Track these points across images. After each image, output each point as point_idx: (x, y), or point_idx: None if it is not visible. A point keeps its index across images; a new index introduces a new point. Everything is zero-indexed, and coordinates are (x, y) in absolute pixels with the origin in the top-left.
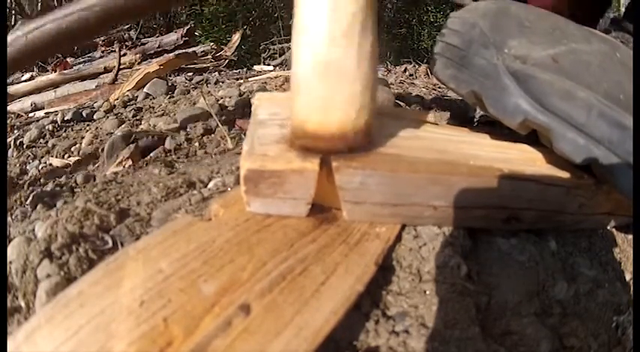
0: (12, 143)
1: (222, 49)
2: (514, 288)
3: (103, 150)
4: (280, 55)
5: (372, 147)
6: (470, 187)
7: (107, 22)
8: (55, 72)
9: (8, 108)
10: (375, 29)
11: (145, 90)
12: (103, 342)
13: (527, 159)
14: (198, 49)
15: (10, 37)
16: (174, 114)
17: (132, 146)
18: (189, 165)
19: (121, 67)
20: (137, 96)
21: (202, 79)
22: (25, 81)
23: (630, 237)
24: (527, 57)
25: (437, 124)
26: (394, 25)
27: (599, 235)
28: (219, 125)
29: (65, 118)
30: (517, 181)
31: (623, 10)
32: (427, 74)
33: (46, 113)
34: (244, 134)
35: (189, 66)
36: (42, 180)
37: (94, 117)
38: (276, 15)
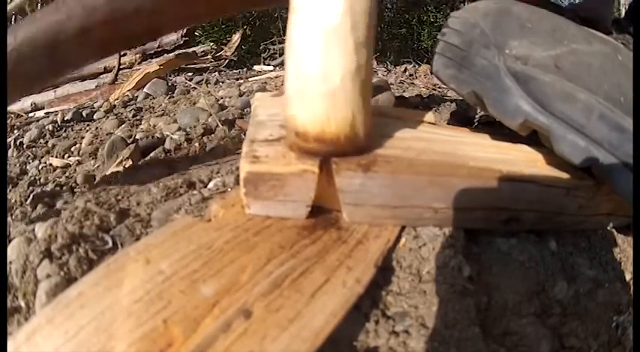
0: (12, 143)
1: (222, 49)
2: (514, 288)
3: (103, 150)
4: (280, 55)
5: (372, 149)
6: (470, 189)
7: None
8: None
9: (8, 108)
10: (372, 30)
11: (145, 90)
12: (103, 343)
13: (527, 160)
14: (198, 49)
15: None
16: (174, 114)
17: (132, 146)
18: (189, 165)
19: (121, 67)
20: (137, 96)
21: (202, 79)
22: None
23: (630, 237)
24: (529, 58)
25: (437, 125)
26: (394, 25)
27: (599, 235)
28: (219, 125)
29: (65, 118)
30: (517, 183)
31: (623, 10)
32: (427, 74)
33: (46, 113)
34: (244, 134)
35: (189, 66)
36: (42, 180)
37: (94, 117)
38: (276, 15)
